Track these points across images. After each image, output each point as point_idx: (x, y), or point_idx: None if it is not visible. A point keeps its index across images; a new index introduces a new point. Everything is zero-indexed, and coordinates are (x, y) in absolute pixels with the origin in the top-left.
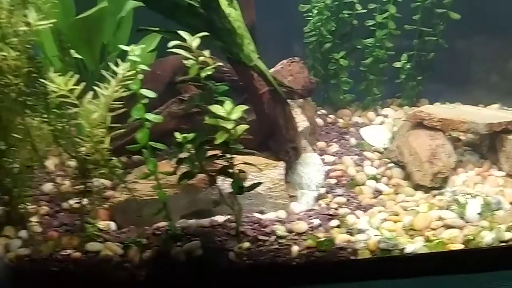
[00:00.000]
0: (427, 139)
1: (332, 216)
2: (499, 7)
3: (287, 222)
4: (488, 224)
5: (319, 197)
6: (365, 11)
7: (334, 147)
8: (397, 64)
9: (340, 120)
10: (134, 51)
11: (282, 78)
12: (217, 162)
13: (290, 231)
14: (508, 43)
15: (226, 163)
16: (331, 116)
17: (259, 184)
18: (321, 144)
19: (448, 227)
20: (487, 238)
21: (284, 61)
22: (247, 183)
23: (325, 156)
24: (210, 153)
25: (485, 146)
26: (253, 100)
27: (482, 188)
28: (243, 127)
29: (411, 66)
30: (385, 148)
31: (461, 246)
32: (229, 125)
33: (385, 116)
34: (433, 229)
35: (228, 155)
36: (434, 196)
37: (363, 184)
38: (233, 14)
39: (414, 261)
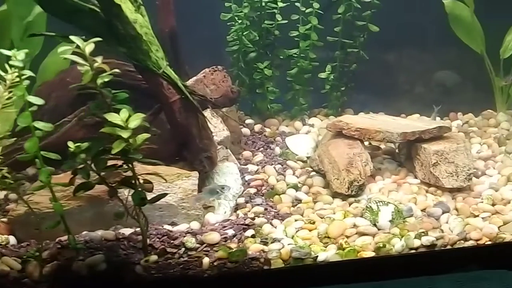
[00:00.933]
0: (345, 148)
1: (247, 226)
2: (421, 20)
3: (199, 233)
4: (399, 231)
5: (237, 207)
6: (286, 21)
7: (259, 157)
8: (322, 75)
9: (268, 130)
10: (16, 56)
11: (204, 87)
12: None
13: (201, 243)
14: (430, 55)
15: (131, 174)
16: (259, 125)
17: (164, 195)
18: (246, 153)
19: (361, 234)
20: (397, 245)
21: (207, 69)
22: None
23: (249, 166)
24: (110, 162)
25: (403, 155)
26: (164, 109)
27: (396, 196)
28: (143, 136)
29: (334, 77)
30: (308, 157)
31: (372, 254)
32: (126, 134)
33: (311, 125)
34: (347, 237)
35: (129, 165)
36: (350, 204)
37: (283, 193)
38: (140, 20)
39: (326, 269)
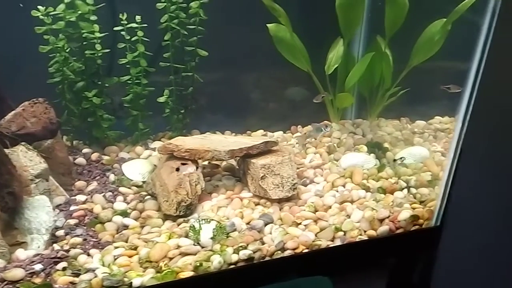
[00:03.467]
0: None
1: (60, 259)
2: (256, 42)
3: (1, 271)
4: (220, 248)
5: (56, 240)
6: (108, 50)
7: (93, 185)
8: (161, 99)
9: (106, 157)
10: None
11: (24, 120)
12: None
13: (2, 280)
14: (268, 75)
15: None
16: (96, 154)
17: None
18: (80, 183)
19: (184, 254)
20: (215, 262)
21: (26, 102)
22: None
23: (78, 196)
24: None
25: (241, 170)
26: None
27: (225, 211)
28: None
29: (173, 101)
30: (144, 182)
31: (191, 273)
32: None
33: (154, 149)
34: (170, 258)
35: None
36: (179, 224)
37: (108, 221)
38: None
39: None
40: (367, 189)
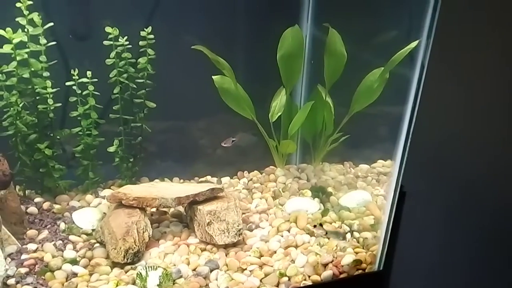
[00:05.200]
0: (125, 217)
1: None
2: (203, 92)
3: None
4: None
5: None
6: (60, 104)
7: (44, 234)
8: (111, 149)
9: (57, 206)
10: None
11: None
12: None
13: None
14: (213, 124)
15: None
16: (48, 203)
17: None
18: (31, 232)
19: None
20: None
21: None
22: None
23: (29, 245)
24: None
25: (189, 216)
26: None
27: (172, 258)
28: None
29: (122, 150)
30: (93, 230)
31: None
32: None
33: (103, 197)
34: None
35: None
36: (127, 271)
37: (58, 269)
38: None
39: None
40: (312, 234)
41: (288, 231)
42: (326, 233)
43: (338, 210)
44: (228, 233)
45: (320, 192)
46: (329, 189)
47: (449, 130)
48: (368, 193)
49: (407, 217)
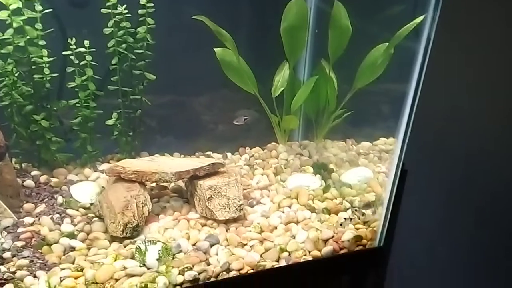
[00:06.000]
0: (124, 191)
1: (6, 281)
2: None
3: None
4: (165, 269)
5: (1, 262)
6: (56, 74)
7: (41, 208)
8: (109, 122)
9: (54, 180)
10: None
11: None
12: None
13: None
14: (215, 97)
15: None
16: (45, 176)
17: None
18: (28, 206)
19: (130, 276)
20: (160, 283)
21: None
22: None
23: (26, 218)
24: None
25: (189, 191)
26: None
27: (171, 233)
28: None
29: (121, 123)
30: (92, 204)
31: None
32: None
33: (102, 171)
34: (117, 280)
35: None
36: (126, 246)
37: (55, 243)
38: None
39: None
40: (312, 210)
41: (289, 207)
42: (363, 214)
43: (340, 186)
44: (229, 208)
45: (321, 169)
46: (331, 166)
47: (451, 107)
48: (369, 170)
49: (408, 194)
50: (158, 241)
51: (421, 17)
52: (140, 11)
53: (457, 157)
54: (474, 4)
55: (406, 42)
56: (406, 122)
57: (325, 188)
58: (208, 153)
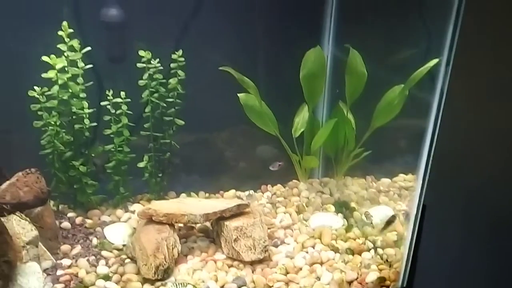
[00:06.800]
0: (155, 233)
1: None
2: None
3: None
4: None
5: None
6: (95, 124)
7: (77, 249)
8: (141, 164)
9: (89, 221)
10: None
11: (17, 190)
12: None
13: None
14: (239, 139)
15: None
16: (80, 218)
17: None
18: (65, 247)
19: None
20: None
21: (20, 173)
22: None
23: (64, 260)
24: None
25: (215, 231)
26: None
27: (200, 274)
28: None
29: (151, 166)
30: (124, 245)
31: None
32: None
33: (133, 212)
34: None
35: None
36: None
37: (92, 285)
38: None
39: None
40: (336, 250)
41: (313, 247)
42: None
43: (362, 226)
44: (255, 249)
45: (343, 207)
46: (352, 204)
47: (469, 142)
48: (390, 209)
49: (427, 230)
50: (188, 283)
51: (435, 60)
52: (172, 65)
53: (476, 191)
54: (490, 44)
55: (422, 81)
56: (425, 160)
57: (348, 227)
58: (231, 191)
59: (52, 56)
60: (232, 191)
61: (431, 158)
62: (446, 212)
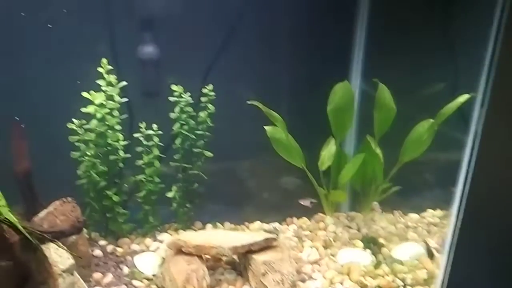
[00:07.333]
0: (184, 264)
1: None
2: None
3: None
4: None
5: None
6: (129, 156)
7: (109, 278)
8: (169, 194)
9: (120, 249)
10: None
11: (54, 218)
12: None
13: None
14: (263, 171)
15: None
16: (111, 246)
17: None
18: (97, 275)
19: None
20: None
21: (57, 202)
22: None
23: None
24: None
25: (242, 264)
26: (3, 249)
27: None
28: None
29: (180, 196)
30: (154, 275)
31: None
32: None
33: (161, 241)
34: None
35: None
36: None
37: None
38: None
39: None
40: (365, 287)
41: (341, 283)
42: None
43: (391, 262)
44: (283, 284)
45: (371, 243)
46: (380, 240)
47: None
48: (420, 246)
49: (457, 268)
50: None
51: (466, 96)
52: (202, 99)
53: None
54: None
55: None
56: (459, 197)
57: (377, 264)
58: (256, 223)
59: (92, 92)
60: (258, 223)
61: (466, 195)
62: (479, 251)
